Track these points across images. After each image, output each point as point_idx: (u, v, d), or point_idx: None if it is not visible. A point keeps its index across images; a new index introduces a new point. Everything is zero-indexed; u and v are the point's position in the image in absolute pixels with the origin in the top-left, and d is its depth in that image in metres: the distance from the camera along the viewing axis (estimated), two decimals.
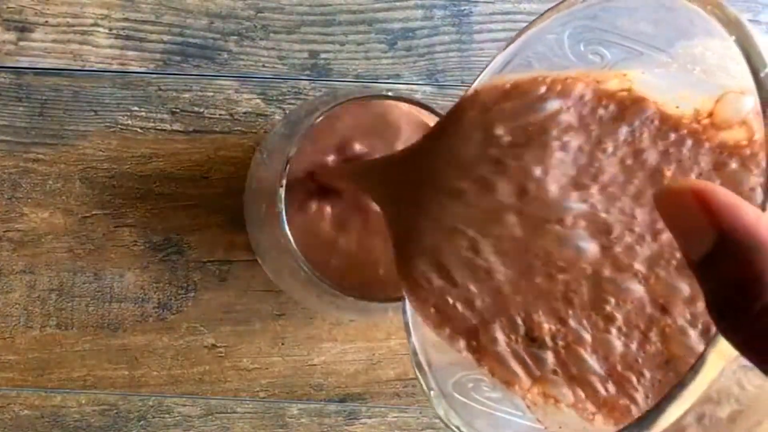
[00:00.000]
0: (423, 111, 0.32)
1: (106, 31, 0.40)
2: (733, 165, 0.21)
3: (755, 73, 0.16)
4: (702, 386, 0.15)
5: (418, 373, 0.24)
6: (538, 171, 0.23)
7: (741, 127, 0.21)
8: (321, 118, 0.30)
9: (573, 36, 0.23)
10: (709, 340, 0.15)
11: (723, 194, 0.15)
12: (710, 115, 0.22)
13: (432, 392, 0.23)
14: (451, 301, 0.24)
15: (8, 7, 0.39)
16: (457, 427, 0.22)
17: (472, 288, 0.24)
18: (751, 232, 0.14)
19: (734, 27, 0.17)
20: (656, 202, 0.16)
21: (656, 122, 0.23)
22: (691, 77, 0.22)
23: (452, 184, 0.24)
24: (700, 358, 0.15)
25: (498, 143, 0.23)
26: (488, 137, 0.23)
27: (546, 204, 0.23)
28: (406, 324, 0.25)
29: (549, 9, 0.23)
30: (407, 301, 0.25)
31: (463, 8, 0.41)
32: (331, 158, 0.32)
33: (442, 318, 0.24)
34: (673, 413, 0.15)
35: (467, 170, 0.24)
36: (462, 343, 0.24)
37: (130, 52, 0.40)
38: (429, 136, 0.26)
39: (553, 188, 0.23)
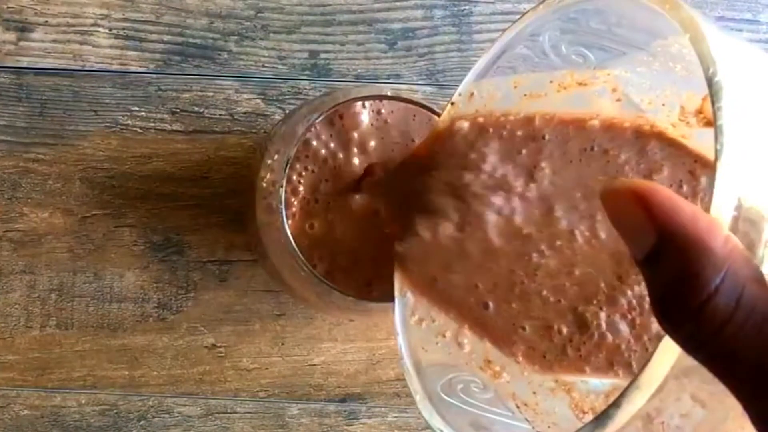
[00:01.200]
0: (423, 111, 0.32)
1: (106, 31, 0.40)
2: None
3: (705, 70, 0.16)
4: (653, 384, 0.15)
5: (405, 376, 0.24)
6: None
7: None
8: (321, 118, 0.30)
9: (553, 38, 0.24)
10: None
11: (661, 194, 0.15)
12: (700, 112, 0.22)
13: (417, 396, 0.23)
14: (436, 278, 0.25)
15: (8, 7, 0.39)
16: (440, 429, 0.22)
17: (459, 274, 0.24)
18: (689, 230, 0.14)
19: (688, 26, 0.17)
20: (602, 201, 0.16)
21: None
22: (674, 74, 0.22)
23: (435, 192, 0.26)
24: (650, 357, 0.15)
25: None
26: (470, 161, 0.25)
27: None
28: (395, 325, 0.25)
29: (526, 12, 0.23)
30: (396, 301, 0.25)
31: (463, 8, 0.41)
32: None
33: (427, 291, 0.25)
34: (628, 410, 0.16)
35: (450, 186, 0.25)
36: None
37: (130, 52, 0.40)
38: (421, 150, 0.27)
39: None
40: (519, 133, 0.24)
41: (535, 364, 0.23)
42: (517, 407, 0.23)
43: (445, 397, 0.23)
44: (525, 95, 0.25)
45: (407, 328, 0.25)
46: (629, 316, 0.23)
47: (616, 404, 0.16)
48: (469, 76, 0.25)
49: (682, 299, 0.14)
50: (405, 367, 0.24)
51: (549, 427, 0.22)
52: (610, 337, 0.23)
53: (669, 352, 0.15)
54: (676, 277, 0.14)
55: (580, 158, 0.24)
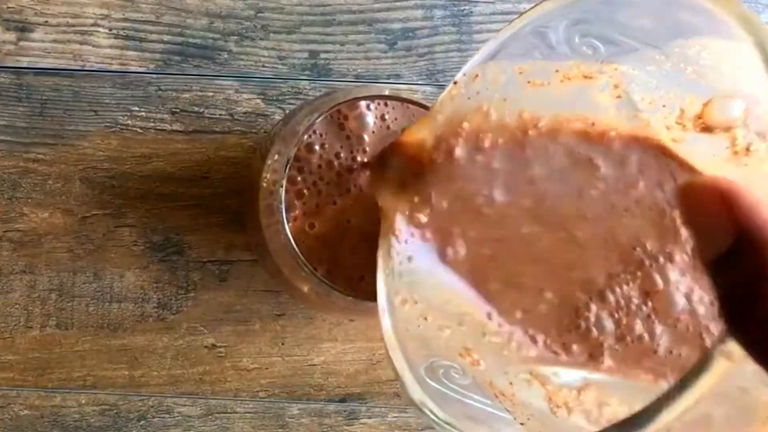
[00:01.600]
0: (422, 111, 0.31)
1: (106, 31, 0.40)
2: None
3: None
4: (705, 386, 0.15)
5: (392, 358, 0.24)
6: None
7: (726, 133, 0.21)
8: (321, 118, 0.30)
9: (569, 27, 0.23)
10: (715, 341, 0.15)
11: (746, 193, 0.15)
12: (699, 117, 0.22)
13: (405, 375, 0.23)
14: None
15: (8, 7, 0.39)
16: (431, 411, 0.22)
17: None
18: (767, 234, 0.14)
19: (753, 28, 0.17)
20: (680, 197, 0.16)
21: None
22: (682, 77, 0.22)
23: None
24: (704, 359, 0.15)
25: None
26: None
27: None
28: (380, 304, 0.25)
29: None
30: (380, 279, 0.25)
31: (463, 8, 0.41)
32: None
33: None
34: (672, 411, 0.15)
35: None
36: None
37: (130, 52, 0.40)
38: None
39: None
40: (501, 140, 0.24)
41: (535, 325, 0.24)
42: (495, 396, 0.23)
43: (431, 382, 0.23)
44: (528, 82, 0.24)
45: (393, 308, 0.25)
46: (616, 315, 0.23)
47: (657, 404, 0.15)
48: (477, 57, 0.25)
49: (752, 302, 0.14)
50: (390, 344, 0.24)
51: (528, 419, 0.22)
52: (595, 332, 0.23)
53: (729, 357, 0.15)
54: (750, 279, 0.14)
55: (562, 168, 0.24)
